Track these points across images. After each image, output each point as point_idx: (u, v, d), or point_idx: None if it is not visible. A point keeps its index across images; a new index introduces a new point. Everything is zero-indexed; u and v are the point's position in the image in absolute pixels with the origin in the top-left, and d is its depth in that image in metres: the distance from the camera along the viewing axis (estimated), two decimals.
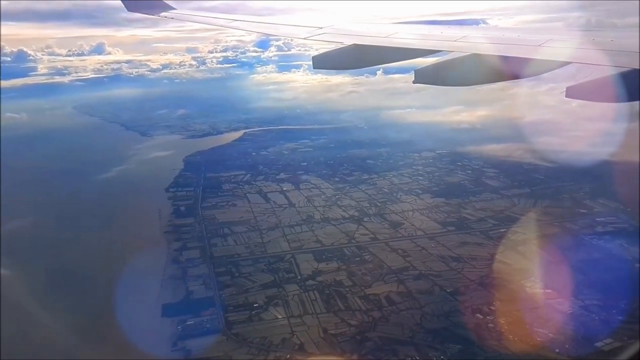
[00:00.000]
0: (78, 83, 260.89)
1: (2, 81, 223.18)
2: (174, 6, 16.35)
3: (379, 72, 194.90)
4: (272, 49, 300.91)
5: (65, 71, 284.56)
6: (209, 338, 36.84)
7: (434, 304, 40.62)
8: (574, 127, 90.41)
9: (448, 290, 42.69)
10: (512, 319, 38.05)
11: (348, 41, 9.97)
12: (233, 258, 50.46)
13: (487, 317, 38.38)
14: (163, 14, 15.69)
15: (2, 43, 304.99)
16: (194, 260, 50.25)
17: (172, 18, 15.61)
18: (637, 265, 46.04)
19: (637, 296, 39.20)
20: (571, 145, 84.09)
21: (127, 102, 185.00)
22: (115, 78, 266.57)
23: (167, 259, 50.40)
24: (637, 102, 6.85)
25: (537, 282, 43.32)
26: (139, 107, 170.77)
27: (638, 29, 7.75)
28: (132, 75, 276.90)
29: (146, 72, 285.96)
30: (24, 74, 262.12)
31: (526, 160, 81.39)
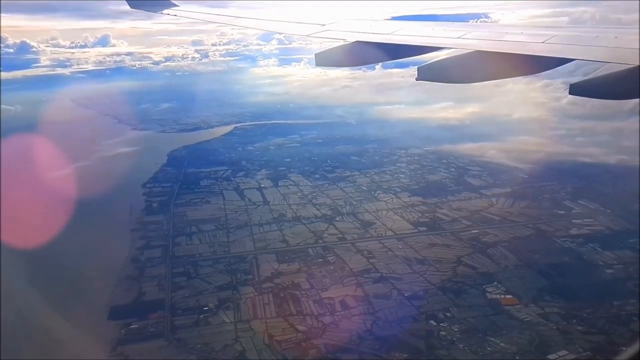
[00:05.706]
0: (79, 75, 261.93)
1: (3, 73, 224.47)
2: (174, 2, 16.34)
3: (377, 67, 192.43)
4: (274, 42, 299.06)
5: (67, 63, 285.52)
6: (150, 343, 35.79)
7: (389, 309, 39.26)
8: (563, 125, 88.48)
9: (406, 295, 41.35)
10: (466, 326, 36.70)
11: (350, 38, 9.96)
12: (194, 258, 49.41)
13: (441, 324, 37.02)
14: (166, 11, 15.75)
15: (4, 35, 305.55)
16: (153, 259, 49.18)
17: (175, 15, 15.58)
18: (608, 271, 44.37)
19: (595, 305, 37.73)
20: (558, 144, 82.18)
21: (126, 94, 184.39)
22: (117, 70, 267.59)
23: (126, 258, 49.45)
24: (638, 99, 7.00)
25: (499, 287, 41.83)
26: (136, 100, 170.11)
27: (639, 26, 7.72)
28: (134, 68, 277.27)
29: (149, 65, 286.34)
30: (26, 65, 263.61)
31: (511, 158, 79.23)
